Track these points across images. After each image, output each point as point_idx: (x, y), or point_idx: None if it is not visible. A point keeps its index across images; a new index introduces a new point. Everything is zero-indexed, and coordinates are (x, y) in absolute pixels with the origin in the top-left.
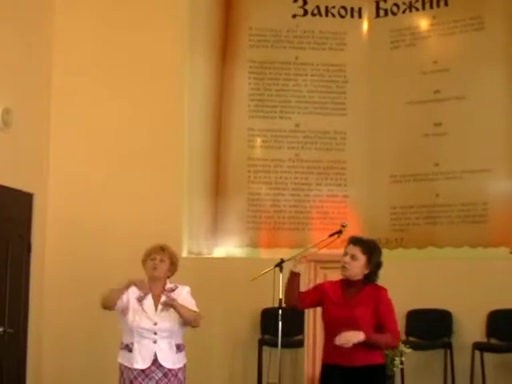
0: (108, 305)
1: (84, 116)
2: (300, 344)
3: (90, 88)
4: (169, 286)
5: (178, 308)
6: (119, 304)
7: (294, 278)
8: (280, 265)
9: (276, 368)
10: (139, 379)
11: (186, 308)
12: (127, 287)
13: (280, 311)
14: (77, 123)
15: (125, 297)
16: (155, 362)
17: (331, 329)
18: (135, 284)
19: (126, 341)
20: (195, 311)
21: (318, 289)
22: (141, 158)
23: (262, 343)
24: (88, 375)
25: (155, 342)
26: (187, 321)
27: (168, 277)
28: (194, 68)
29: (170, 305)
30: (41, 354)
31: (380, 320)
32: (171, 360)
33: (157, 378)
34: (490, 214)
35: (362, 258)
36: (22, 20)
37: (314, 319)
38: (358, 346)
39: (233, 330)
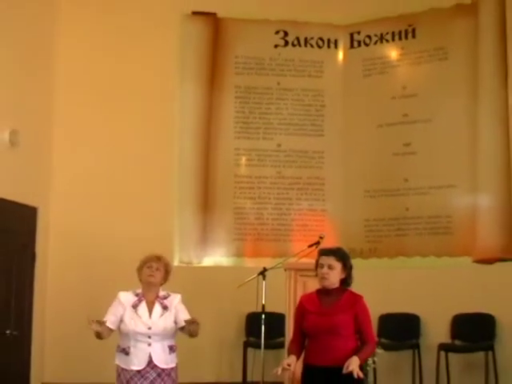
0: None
1: (83, 137)
2: (281, 345)
3: (89, 111)
4: (162, 293)
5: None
6: (114, 327)
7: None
8: (263, 273)
9: (259, 367)
10: (135, 379)
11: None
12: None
13: (263, 316)
14: (77, 143)
15: (117, 317)
16: (150, 363)
17: (313, 335)
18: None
19: (123, 345)
20: (198, 324)
21: (298, 315)
22: (136, 175)
23: (246, 345)
24: (88, 373)
25: (149, 344)
26: (193, 335)
27: (161, 284)
28: (184, 93)
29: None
30: (43, 354)
31: (360, 328)
32: (164, 360)
33: (151, 377)
34: (454, 227)
35: (337, 266)
36: (26, 52)
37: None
38: (337, 345)
39: (220, 332)
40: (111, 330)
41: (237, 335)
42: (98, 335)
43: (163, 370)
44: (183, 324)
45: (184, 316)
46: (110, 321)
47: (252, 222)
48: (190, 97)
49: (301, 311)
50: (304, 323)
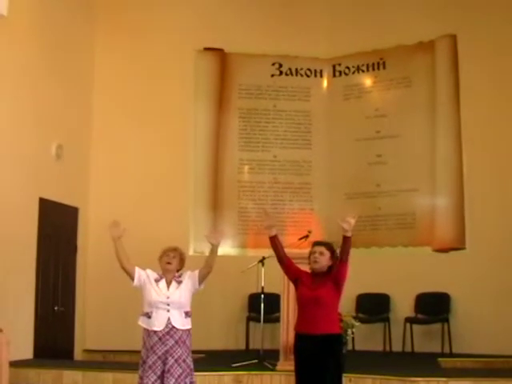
0: (121, 264)
1: (116, 150)
2: (277, 320)
3: (121, 129)
4: (177, 274)
5: (216, 249)
6: (136, 281)
7: (273, 240)
8: (262, 261)
9: (259, 338)
10: (157, 345)
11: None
12: (114, 240)
13: (262, 295)
14: (111, 155)
15: (142, 276)
16: (169, 330)
17: (302, 305)
18: (113, 233)
19: (146, 310)
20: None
21: (299, 270)
22: (159, 180)
23: (249, 319)
24: (121, 341)
25: (168, 310)
26: (212, 263)
27: (178, 270)
28: (198, 114)
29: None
30: (85, 326)
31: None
32: (181, 323)
33: (170, 344)
34: (417, 222)
35: (327, 253)
36: (70, 82)
37: (287, 301)
38: (322, 316)
39: (227, 309)
40: (131, 265)
41: (241, 311)
42: (115, 241)
43: (180, 337)
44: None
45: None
46: (137, 268)
47: (253, 219)
48: (202, 117)
49: (299, 273)
50: (297, 293)
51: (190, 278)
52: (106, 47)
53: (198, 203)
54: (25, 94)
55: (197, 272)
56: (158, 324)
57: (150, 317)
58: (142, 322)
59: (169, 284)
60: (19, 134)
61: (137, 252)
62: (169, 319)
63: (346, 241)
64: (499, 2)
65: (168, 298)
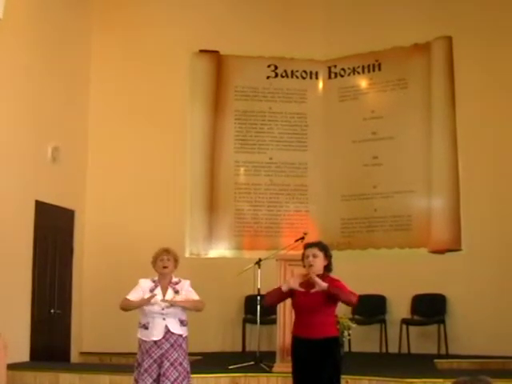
0: (126, 310)
1: (113, 153)
2: (273, 321)
3: (117, 132)
4: (174, 279)
5: (181, 304)
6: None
7: (282, 294)
8: (258, 263)
9: (256, 339)
10: (152, 349)
11: (187, 301)
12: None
13: (258, 297)
14: (107, 158)
15: (138, 295)
16: (166, 333)
17: (300, 312)
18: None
19: (143, 321)
20: (196, 300)
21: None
22: (155, 182)
23: (245, 321)
24: (118, 344)
25: (164, 319)
26: (190, 310)
27: (172, 271)
28: (194, 116)
29: (174, 303)
30: (81, 328)
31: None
32: (179, 329)
33: (166, 347)
34: (413, 224)
35: (320, 254)
36: (66, 85)
37: (283, 303)
38: (319, 321)
39: (224, 311)
40: (132, 303)
41: (237, 313)
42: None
43: (175, 341)
44: None
45: (194, 297)
46: (130, 298)
47: (249, 221)
48: (198, 119)
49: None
50: (293, 301)
51: (186, 292)
52: (101, 50)
53: (194, 205)
54: (20, 96)
55: (193, 292)
56: (156, 333)
57: (147, 328)
58: (141, 335)
59: (164, 290)
60: (15, 136)
61: (133, 254)
62: (166, 326)
63: (332, 292)
64: (494, 5)
65: (163, 309)
